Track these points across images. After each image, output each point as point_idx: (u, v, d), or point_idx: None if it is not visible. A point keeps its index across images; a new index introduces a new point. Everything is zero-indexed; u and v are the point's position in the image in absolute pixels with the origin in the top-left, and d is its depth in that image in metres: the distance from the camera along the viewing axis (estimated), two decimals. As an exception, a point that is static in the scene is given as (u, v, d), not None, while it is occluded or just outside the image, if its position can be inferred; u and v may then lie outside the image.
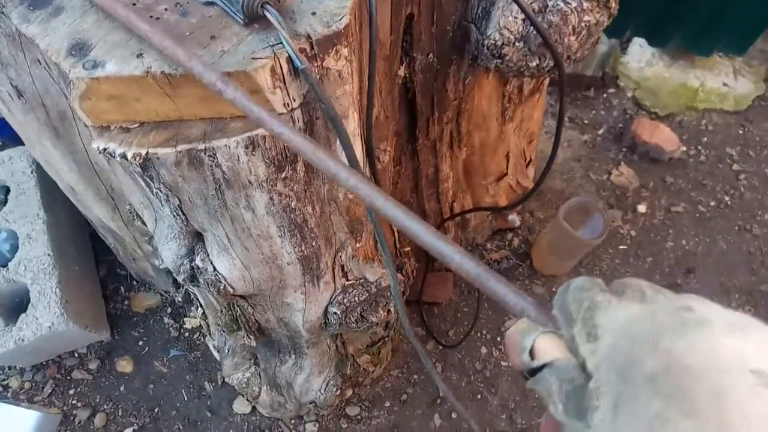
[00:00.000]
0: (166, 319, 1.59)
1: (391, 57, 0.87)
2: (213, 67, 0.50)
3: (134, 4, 0.58)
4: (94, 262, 1.63)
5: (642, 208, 1.79)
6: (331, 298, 0.98)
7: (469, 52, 0.91)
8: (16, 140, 1.48)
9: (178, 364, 1.52)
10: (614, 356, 0.26)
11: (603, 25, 0.82)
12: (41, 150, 0.97)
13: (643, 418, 0.23)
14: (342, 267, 0.94)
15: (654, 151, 1.85)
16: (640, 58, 2.00)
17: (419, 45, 0.87)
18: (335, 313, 0.99)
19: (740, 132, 1.96)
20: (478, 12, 0.82)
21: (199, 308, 1.12)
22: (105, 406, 1.47)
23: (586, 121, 1.97)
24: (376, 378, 1.48)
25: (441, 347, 1.54)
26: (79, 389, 1.49)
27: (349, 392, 1.41)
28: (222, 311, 1.00)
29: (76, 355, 1.53)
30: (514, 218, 1.71)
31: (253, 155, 0.61)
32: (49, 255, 1.36)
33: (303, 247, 0.81)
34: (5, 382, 1.49)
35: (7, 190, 1.46)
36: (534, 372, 0.30)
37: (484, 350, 1.54)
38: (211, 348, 1.44)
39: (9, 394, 1.48)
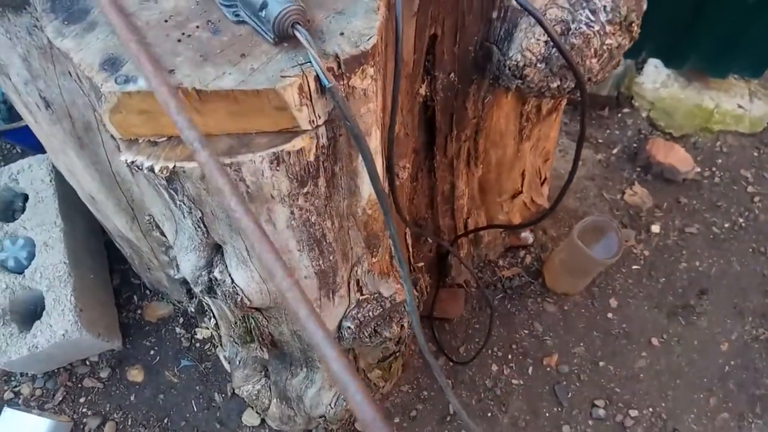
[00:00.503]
0: (177, 329, 1.59)
1: (413, 75, 0.87)
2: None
3: (166, 21, 0.60)
4: (109, 270, 1.64)
5: (656, 228, 1.78)
6: (345, 312, 0.98)
7: (490, 72, 0.91)
8: (36, 148, 1.50)
9: (189, 374, 1.53)
10: None
11: (624, 48, 0.83)
12: (64, 159, 0.99)
13: None
14: (357, 282, 0.94)
15: (668, 171, 1.84)
16: (656, 79, 2.00)
17: (441, 64, 0.88)
18: (349, 327, 0.99)
19: (755, 154, 1.95)
20: (500, 33, 0.83)
21: (212, 319, 1.13)
22: (115, 415, 1.47)
23: (600, 141, 1.97)
24: (386, 393, 1.48)
25: (452, 363, 1.53)
26: (89, 397, 1.49)
27: (359, 407, 1.40)
28: (236, 323, 1.00)
29: (87, 363, 1.53)
30: (527, 236, 1.71)
31: (277, 170, 0.61)
32: (65, 263, 1.38)
33: (321, 261, 0.81)
34: (17, 389, 1.50)
35: (26, 198, 1.48)
36: None
37: (495, 368, 1.53)
38: (222, 359, 1.44)
39: (20, 401, 1.48)
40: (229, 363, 1.35)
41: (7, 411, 1.38)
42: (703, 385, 1.53)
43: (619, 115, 2.03)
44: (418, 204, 1.28)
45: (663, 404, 1.50)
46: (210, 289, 0.85)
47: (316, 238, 0.76)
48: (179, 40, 0.58)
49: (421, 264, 1.26)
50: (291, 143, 0.59)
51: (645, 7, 0.85)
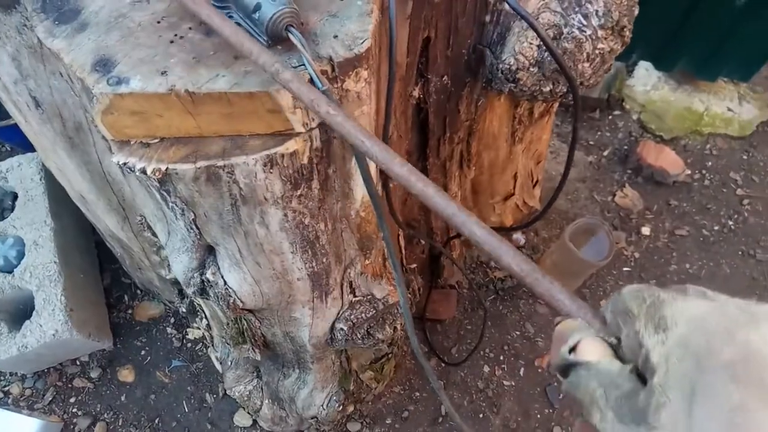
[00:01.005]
0: (169, 329, 1.59)
1: (407, 78, 0.88)
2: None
3: (158, 22, 0.59)
4: (99, 270, 1.63)
5: (646, 230, 1.79)
6: (338, 314, 0.98)
7: (483, 75, 0.92)
8: (25, 146, 1.49)
9: (180, 374, 1.52)
10: (689, 345, 0.26)
11: (617, 52, 0.83)
12: (55, 159, 0.98)
13: (721, 409, 0.23)
14: (350, 283, 0.94)
15: (659, 174, 1.86)
16: (646, 82, 2.01)
17: (434, 67, 0.89)
18: (342, 329, 0.99)
19: (744, 157, 1.97)
20: (493, 37, 0.83)
21: (204, 320, 1.12)
22: (105, 416, 1.46)
23: (591, 143, 1.98)
24: (378, 394, 1.48)
25: (444, 365, 1.54)
26: (80, 397, 1.48)
27: (351, 408, 1.41)
28: (228, 324, 1.00)
29: (77, 363, 1.52)
30: (518, 237, 1.72)
31: (271, 173, 0.61)
32: (55, 262, 1.37)
33: (314, 264, 0.81)
34: (6, 389, 1.49)
35: (15, 196, 1.47)
36: (567, 370, 0.30)
37: (486, 369, 1.54)
38: (214, 360, 1.44)
39: (10, 401, 1.47)
40: (220, 363, 1.35)
41: (-4, 411, 1.37)
42: (693, 386, 1.54)
43: (610, 117, 2.05)
44: (410, 205, 1.28)
45: (652, 405, 1.51)
46: (202, 291, 0.84)
47: (309, 240, 0.76)
48: (172, 42, 0.57)
49: (413, 265, 1.26)
50: (284, 146, 0.59)
51: (637, 12, 0.85)
